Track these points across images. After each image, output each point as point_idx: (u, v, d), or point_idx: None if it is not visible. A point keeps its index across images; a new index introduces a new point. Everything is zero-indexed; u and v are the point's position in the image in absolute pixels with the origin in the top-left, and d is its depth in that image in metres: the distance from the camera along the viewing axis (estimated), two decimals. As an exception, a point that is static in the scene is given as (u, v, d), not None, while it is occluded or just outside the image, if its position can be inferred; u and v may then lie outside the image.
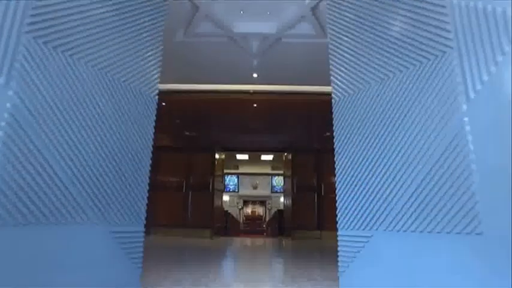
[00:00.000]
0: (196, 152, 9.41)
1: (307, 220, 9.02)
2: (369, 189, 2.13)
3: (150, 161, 2.41)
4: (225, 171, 19.01)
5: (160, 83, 8.62)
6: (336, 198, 2.43)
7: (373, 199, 2.09)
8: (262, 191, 29.92)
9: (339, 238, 2.32)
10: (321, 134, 9.55)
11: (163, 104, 9.95)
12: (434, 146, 1.77)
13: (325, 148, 9.51)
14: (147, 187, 2.35)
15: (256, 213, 29.67)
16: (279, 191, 31.03)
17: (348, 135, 2.39)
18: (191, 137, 9.43)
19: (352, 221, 2.23)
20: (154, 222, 8.94)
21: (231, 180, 31.17)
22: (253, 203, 29.86)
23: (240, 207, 29.60)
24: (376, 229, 2.04)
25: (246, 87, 10.08)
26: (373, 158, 2.14)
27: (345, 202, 2.32)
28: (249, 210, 29.80)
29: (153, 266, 3.35)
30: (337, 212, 2.40)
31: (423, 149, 1.82)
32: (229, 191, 30.48)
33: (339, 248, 2.29)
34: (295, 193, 8.43)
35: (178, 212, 9.03)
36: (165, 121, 9.68)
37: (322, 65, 7.76)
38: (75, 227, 1.81)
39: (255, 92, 10.33)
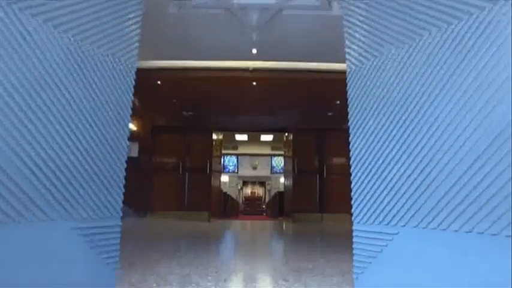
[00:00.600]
0: (193, 132, 9.00)
1: (308, 202, 8.70)
2: (394, 176, 1.73)
3: (128, 143, 2.01)
4: (224, 151, 18.69)
5: (154, 59, 8.06)
6: (351, 186, 2.02)
7: (399, 188, 1.69)
8: (262, 172, 29.77)
9: (354, 234, 1.94)
10: (324, 113, 9.11)
11: (159, 82, 9.45)
12: (488, 122, 1.35)
13: (328, 128, 9.10)
14: (124, 173, 1.95)
15: (256, 194, 29.62)
16: (278, 171, 30.86)
17: (367, 111, 1.96)
18: (188, 117, 9.00)
19: (372, 214, 1.83)
20: (150, 204, 8.63)
21: (230, 161, 30.97)
22: (253, 183, 29.78)
23: (239, 188, 29.50)
24: (404, 225, 1.65)
25: (245, 64, 9.56)
26: (400, 137, 1.73)
27: (362, 191, 1.91)
28: (248, 190, 29.74)
29: (143, 255, 3.00)
30: (352, 201, 2.00)
31: (471, 126, 1.41)
32: (228, 172, 30.35)
33: (354, 246, 1.91)
34: (296, 174, 8.07)
35: (175, 194, 8.70)
36: (161, 100, 9.23)
37: (325, 41, 7.25)
38: (27, 226, 1.41)
39: (255, 70, 9.81)
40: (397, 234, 1.68)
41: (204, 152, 8.53)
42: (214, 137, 8.51)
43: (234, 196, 28.49)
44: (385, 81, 1.88)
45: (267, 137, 16.26)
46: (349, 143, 2.09)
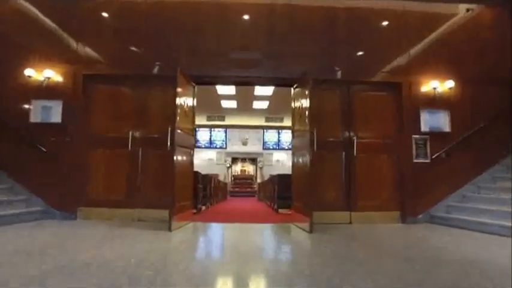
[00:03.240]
0: (150, 86, 5.77)
1: (332, 194, 5.68)
2: None
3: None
4: (210, 123, 15.48)
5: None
6: None
7: None
8: (253, 148, 26.90)
9: None
10: (352, 57, 5.94)
11: (105, 15, 6.09)
12: None
13: (356, 81, 5.96)
14: None
15: (247, 172, 26.75)
16: (271, 147, 27.97)
17: None
18: (144, 64, 5.73)
19: None
20: (84, 198, 5.50)
21: (217, 136, 27.86)
22: (243, 160, 26.93)
23: (228, 165, 26.57)
24: None
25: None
26: None
27: None
28: (238, 168, 26.85)
29: None
30: None
31: None
32: (216, 148, 27.34)
33: None
34: (316, 152, 4.99)
35: (122, 183, 5.56)
36: (106, 39, 5.92)
37: None
38: None
39: (247, -7, 6.44)
40: None
41: (164, 116, 5.36)
42: (185, 101, 5.30)
43: (222, 175, 25.59)
44: None
45: (261, 104, 13.08)
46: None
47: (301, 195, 5.15)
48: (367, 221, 5.56)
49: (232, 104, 12.94)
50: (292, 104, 5.83)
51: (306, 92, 5.03)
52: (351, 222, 5.60)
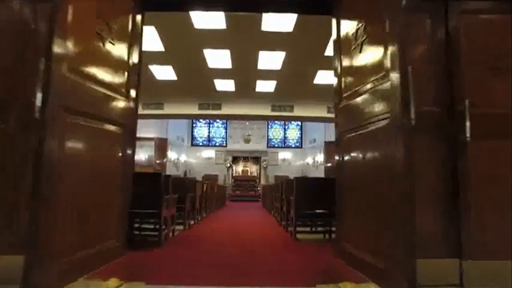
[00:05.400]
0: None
1: (418, 219, 2.69)
2: None
3: None
4: (204, 112, 12.59)
5: None
6: None
7: None
8: (256, 145, 23.97)
9: None
10: None
11: None
12: None
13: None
14: None
15: (249, 173, 23.85)
16: (276, 145, 25.04)
17: None
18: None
19: None
20: None
21: (217, 132, 25.02)
22: (245, 159, 24.06)
23: (228, 165, 23.71)
24: None
25: None
26: None
27: None
28: (239, 168, 23.97)
29: None
30: None
31: None
32: (215, 145, 24.56)
33: None
34: (413, 130, 2.08)
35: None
36: None
37: None
38: None
39: None
40: None
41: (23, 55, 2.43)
42: (106, 21, 2.39)
43: (221, 175, 22.71)
44: None
45: (266, 85, 10.12)
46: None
47: (369, 225, 2.20)
48: (493, 282, 2.59)
49: (229, 85, 9.97)
50: (334, 46, 2.84)
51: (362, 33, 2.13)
52: (461, 285, 2.62)
